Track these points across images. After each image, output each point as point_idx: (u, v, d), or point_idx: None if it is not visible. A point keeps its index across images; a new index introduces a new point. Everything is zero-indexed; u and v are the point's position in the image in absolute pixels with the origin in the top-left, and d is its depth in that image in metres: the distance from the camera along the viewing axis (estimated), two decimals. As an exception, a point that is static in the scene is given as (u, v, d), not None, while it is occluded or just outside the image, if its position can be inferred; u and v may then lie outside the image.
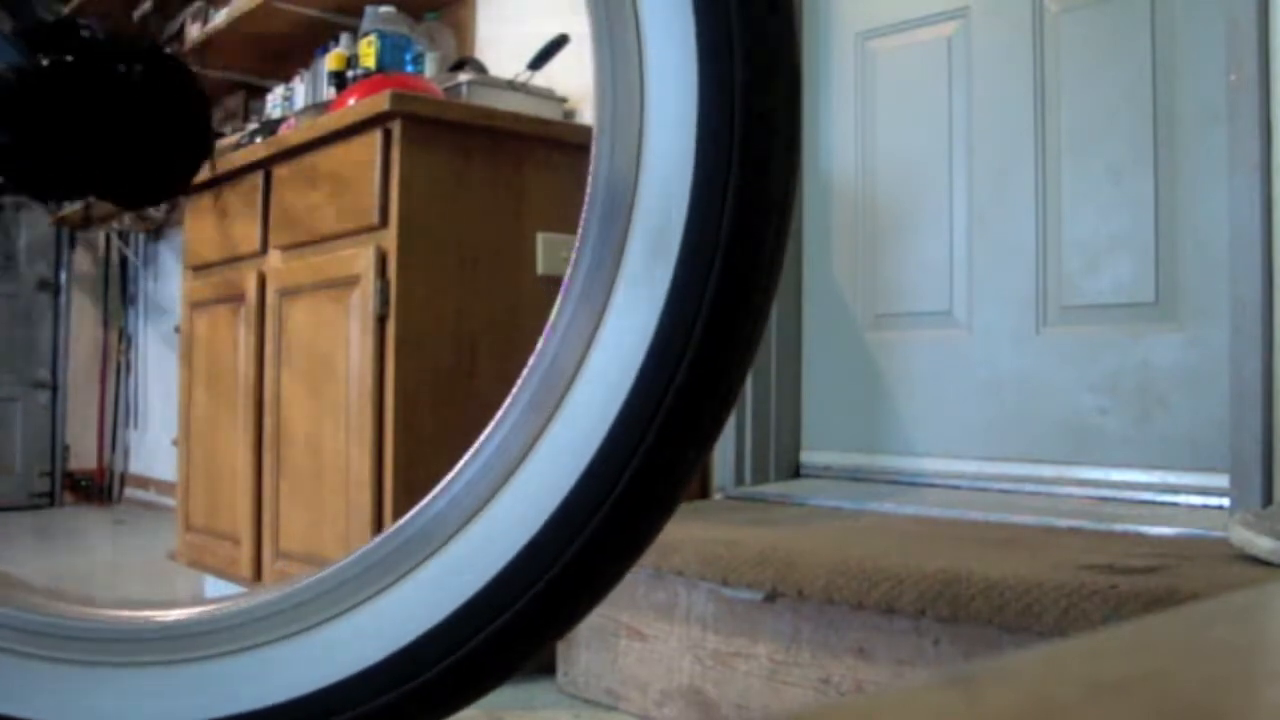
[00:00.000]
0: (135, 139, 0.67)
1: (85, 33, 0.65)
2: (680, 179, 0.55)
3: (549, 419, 0.58)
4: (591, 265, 0.58)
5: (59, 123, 0.65)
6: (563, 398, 0.57)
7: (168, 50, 0.69)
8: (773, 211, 0.56)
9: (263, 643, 0.61)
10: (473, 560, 0.58)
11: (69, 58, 0.64)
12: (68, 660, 0.62)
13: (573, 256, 0.58)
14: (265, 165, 2.10)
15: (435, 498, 0.60)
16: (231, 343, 2.18)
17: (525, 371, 0.59)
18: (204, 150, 0.70)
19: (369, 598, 0.60)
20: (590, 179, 0.58)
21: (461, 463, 0.60)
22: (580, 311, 0.58)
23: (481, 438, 0.60)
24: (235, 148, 2.36)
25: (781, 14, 0.56)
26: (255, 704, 0.60)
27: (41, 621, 0.64)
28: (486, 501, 0.58)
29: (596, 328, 0.57)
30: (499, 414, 0.60)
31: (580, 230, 0.58)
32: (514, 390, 0.59)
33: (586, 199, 0.58)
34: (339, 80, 2.51)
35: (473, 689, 0.59)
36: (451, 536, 0.59)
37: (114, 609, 0.66)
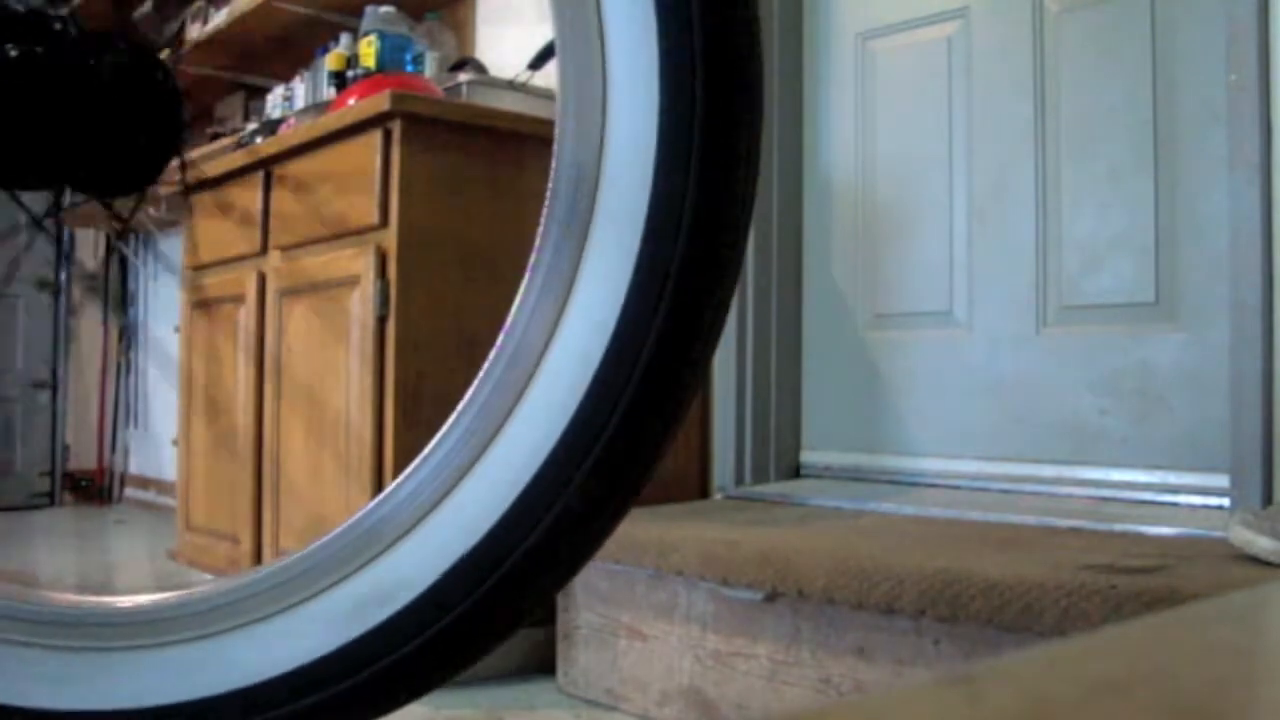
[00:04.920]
0: (104, 129, 0.66)
1: (58, 24, 0.64)
2: (643, 165, 0.56)
3: (515, 402, 0.58)
4: (555, 254, 0.58)
5: (27, 113, 0.64)
6: (529, 380, 0.58)
7: (141, 42, 0.68)
8: (736, 192, 0.56)
9: (225, 629, 0.61)
10: (447, 536, 0.59)
11: (38, 49, 0.64)
12: (43, 644, 0.63)
13: (535, 245, 0.59)
14: (265, 165, 2.09)
15: (402, 483, 0.61)
16: (231, 343, 2.18)
17: (490, 357, 0.60)
18: (174, 142, 0.70)
19: (344, 578, 0.60)
20: (554, 168, 0.59)
21: (431, 445, 0.61)
22: (544, 299, 0.58)
23: (448, 423, 0.60)
24: (235, 147, 2.36)
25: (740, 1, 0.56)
26: (214, 689, 0.60)
27: (18, 608, 0.64)
28: (460, 479, 0.59)
29: (560, 315, 0.57)
30: (463, 400, 0.60)
31: (543, 221, 0.59)
32: (480, 374, 0.60)
33: (549, 189, 0.59)
34: (339, 80, 2.50)
35: (462, 653, 0.60)
36: (417, 522, 0.59)
37: (86, 595, 0.67)
